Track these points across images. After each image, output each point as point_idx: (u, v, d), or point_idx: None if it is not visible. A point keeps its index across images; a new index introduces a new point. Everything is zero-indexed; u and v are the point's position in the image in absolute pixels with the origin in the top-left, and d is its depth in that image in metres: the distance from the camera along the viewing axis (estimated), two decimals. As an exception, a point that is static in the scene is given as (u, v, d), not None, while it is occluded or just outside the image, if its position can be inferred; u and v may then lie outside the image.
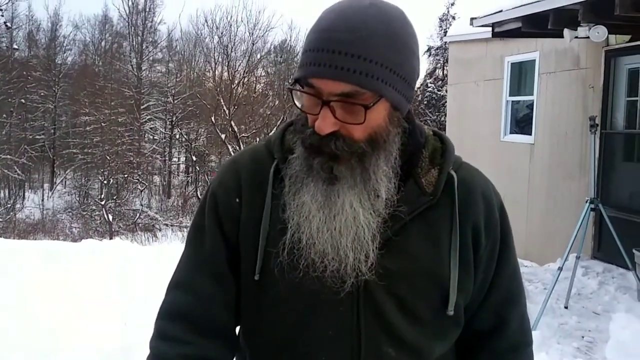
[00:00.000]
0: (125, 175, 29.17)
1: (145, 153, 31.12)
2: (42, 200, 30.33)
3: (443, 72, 31.49)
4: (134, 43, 34.11)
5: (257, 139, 26.06)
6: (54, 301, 4.81)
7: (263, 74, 32.92)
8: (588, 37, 5.61)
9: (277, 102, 30.22)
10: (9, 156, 26.28)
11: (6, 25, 28.90)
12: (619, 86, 6.81)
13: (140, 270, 5.73)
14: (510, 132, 9.08)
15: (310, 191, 1.06)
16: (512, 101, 9.05)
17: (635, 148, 6.83)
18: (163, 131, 33.54)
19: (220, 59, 29.90)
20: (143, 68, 33.71)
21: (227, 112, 26.56)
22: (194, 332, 1.14)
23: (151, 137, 33.49)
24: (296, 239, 1.07)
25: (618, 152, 6.92)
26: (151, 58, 34.60)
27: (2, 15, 27.26)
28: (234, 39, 29.85)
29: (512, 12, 6.30)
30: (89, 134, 30.26)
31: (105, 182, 27.64)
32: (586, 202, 5.24)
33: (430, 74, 32.90)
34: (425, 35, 34.21)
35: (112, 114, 29.40)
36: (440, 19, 33.75)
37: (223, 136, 26.79)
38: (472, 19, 7.42)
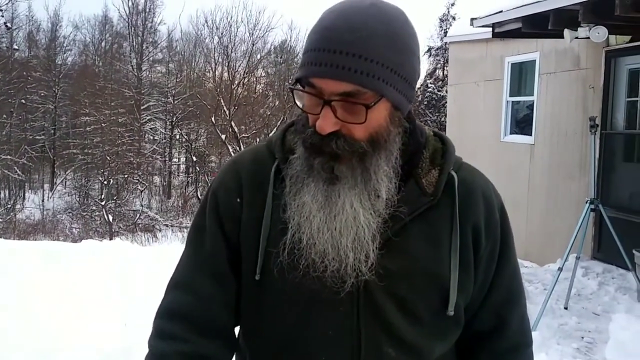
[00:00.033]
0: (126, 176, 29.18)
1: (145, 153, 31.12)
2: (42, 200, 30.33)
3: (443, 73, 31.50)
4: (134, 43, 34.14)
5: (258, 140, 26.07)
6: (54, 301, 4.81)
7: (263, 74, 32.95)
8: (588, 38, 5.61)
9: (277, 103, 30.23)
10: (9, 156, 26.30)
11: (6, 26, 28.93)
12: (619, 86, 6.81)
13: (140, 270, 5.73)
14: (511, 133, 9.08)
15: (311, 191, 1.07)
16: (512, 101, 9.05)
17: (635, 148, 6.83)
18: (163, 131, 33.55)
19: (220, 60, 29.93)
20: (143, 68, 33.73)
21: (227, 112, 26.57)
22: (193, 332, 1.14)
23: (151, 137, 33.50)
24: (297, 239, 1.08)
25: (618, 152, 6.92)
26: (151, 58, 34.64)
27: (2, 16, 27.31)
28: (234, 40, 29.90)
29: (513, 12, 6.30)
30: (89, 135, 30.26)
31: (105, 182, 27.64)
32: (586, 202, 5.24)
33: (431, 74, 32.91)
34: (426, 36, 34.23)
35: (112, 115, 29.41)
36: (440, 19, 33.77)
37: (223, 137, 26.79)
38: (472, 19, 7.42)
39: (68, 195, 31.15)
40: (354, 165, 1.05)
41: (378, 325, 1.10)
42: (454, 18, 31.13)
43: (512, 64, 8.94)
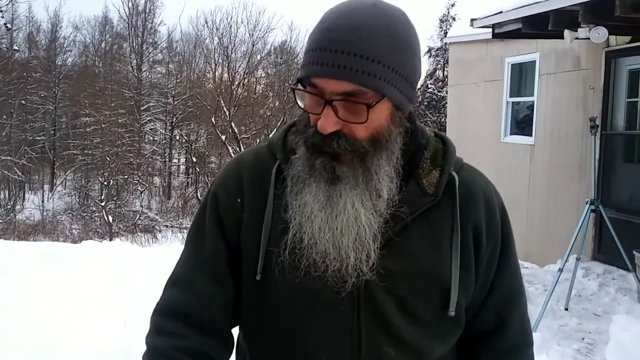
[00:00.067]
0: (126, 177, 29.17)
1: (145, 154, 31.11)
2: (42, 201, 30.33)
3: (443, 73, 31.52)
4: (134, 44, 34.14)
5: (258, 140, 26.11)
6: (54, 302, 4.81)
7: (263, 75, 32.95)
8: (588, 38, 5.61)
9: (277, 103, 30.24)
10: (9, 157, 26.28)
11: (6, 27, 28.94)
12: (619, 87, 6.81)
13: (140, 271, 5.73)
14: (511, 133, 9.08)
15: (313, 191, 1.07)
16: (513, 102, 9.05)
17: (635, 149, 6.83)
18: (163, 132, 33.56)
19: (220, 60, 29.94)
20: (143, 69, 33.73)
21: (227, 113, 26.57)
22: (191, 329, 1.14)
23: (151, 138, 33.50)
24: (298, 238, 1.08)
25: (618, 153, 6.92)
26: (151, 59, 34.64)
27: (3, 17, 27.30)
28: (234, 40, 29.91)
29: (513, 13, 6.30)
30: (89, 135, 30.24)
31: (105, 183, 27.64)
32: (586, 203, 5.23)
33: (431, 75, 32.92)
34: (426, 36, 34.23)
35: (112, 115, 29.41)
36: (440, 20, 33.79)
37: (223, 137, 26.79)
38: (472, 20, 7.42)
39: (68, 196, 31.14)
40: (355, 165, 1.05)
41: (378, 325, 1.10)
42: (454, 19, 31.16)
43: (512, 64, 8.94)
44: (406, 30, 1.05)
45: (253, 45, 30.04)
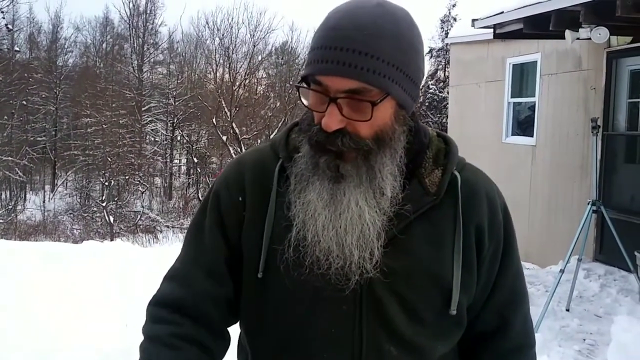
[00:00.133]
0: (127, 177, 29.20)
1: (146, 155, 31.14)
2: (43, 201, 30.36)
3: (444, 74, 31.52)
4: (135, 45, 34.16)
5: (259, 141, 26.11)
6: (54, 302, 4.81)
7: (264, 75, 32.97)
8: (590, 39, 5.61)
9: (278, 104, 30.27)
10: (10, 158, 26.30)
11: (7, 28, 28.97)
12: (620, 87, 6.80)
13: (141, 271, 5.72)
14: (512, 134, 9.07)
15: (316, 189, 1.07)
16: (514, 103, 9.04)
17: (637, 149, 6.82)
18: (164, 133, 33.58)
19: (221, 61, 29.98)
20: (144, 70, 33.75)
21: (228, 114, 26.59)
22: (187, 319, 1.15)
23: (152, 138, 33.53)
24: (301, 236, 1.08)
25: (620, 153, 6.91)
26: (152, 60, 34.66)
27: (4, 18, 27.33)
28: (235, 41, 29.92)
29: (514, 13, 6.30)
30: (90, 136, 30.27)
31: (106, 183, 27.67)
32: (588, 204, 5.23)
33: (432, 75, 32.91)
34: (427, 37, 34.19)
35: (113, 116, 29.44)
36: (441, 20, 33.80)
37: (224, 138, 26.81)
38: (473, 20, 7.42)
39: (69, 197, 31.16)
40: (359, 163, 1.06)
41: (380, 323, 1.10)
42: (455, 19, 31.16)
43: (513, 65, 8.93)
44: (410, 29, 1.06)
45: (254, 46, 30.09)
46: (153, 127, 33.03)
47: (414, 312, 1.11)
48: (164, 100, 32.74)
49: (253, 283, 1.15)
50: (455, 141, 1.22)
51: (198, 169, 31.96)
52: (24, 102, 29.93)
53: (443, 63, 32.31)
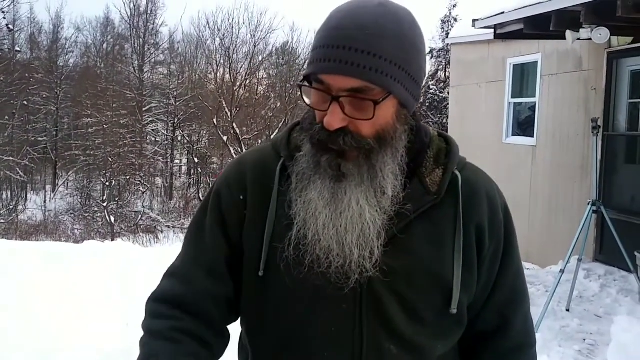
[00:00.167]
0: (127, 177, 29.20)
1: (147, 155, 31.15)
2: (44, 201, 30.36)
3: (445, 74, 31.51)
4: (136, 45, 34.16)
5: (259, 141, 26.12)
6: (55, 302, 4.82)
7: (265, 76, 32.94)
8: (590, 39, 5.61)
9: (279, 104, 30.24)
10: (11, 158, 26.30)
11: (8, 28, 28.95)
12: (621, 88, 6.80)
13: (142, 271, 5.73)
14: (512, 134, 9.07)
15: (318, 188, 1.07)
16: (514, 103, 9.04)
17: (637, 150, 6.82)
18: (165, 133, 33.57)
19: (222, 61, 29.94)
20: (145, 70, 33.75)
21: (229, 114, 26.58)
22: (187, 315, 1.16)
23: (153, 139, 33.52)
24: (302, 235, 1.08)
25: (620, 154, 6.91)
26: (153, 60, 34.66)
27: (4, 18, 27.32)
28: (236, 41, 29.89)
29: (514, 13, 6.30)
30: (91, 136, 30.28)
31: (107, 183, 27.68)
32: (588, 204, 5.23)
33: (432, 75, 32.89)
34: (427, 37, 33.91)
35: (114, 116, 29.45)
36: (442, 20, 33.79)
37: (225, 138, 26.81)
38: (474, 20, 7.41)
39: (70, 197, 31.15)
40: (361, 162, 1.06)
41: (380, 322, 1.10)
42: (455, 19, 31.15)
43: (514, 65, 8.93)
44: (412, 29, 1.06)
45: (255, 46, 30.06)
46: (154, 127, 33.03)
47: (414, 311, 1.11)
48: (164, 101, 32.74)
49: (253, 282, 1.15)
50: (456, 141, 1.22)
51: (199, 169, 31.95)
52: (25, 102, 29.94)
53: (443, 63, 32.29)
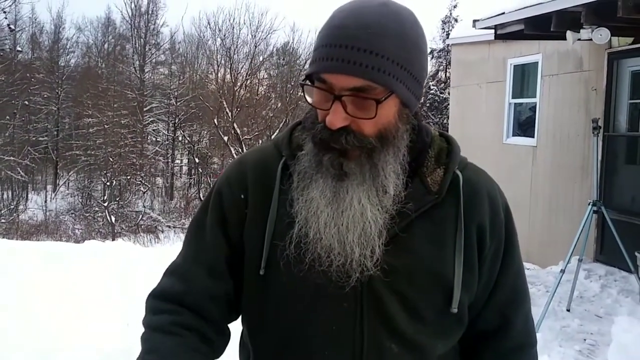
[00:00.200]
0: (128, 177, 29.22)
1: (148, 155, 31.16)
2: (45, 201, 30.37)
3: (445, 75, 31.49)
4: (137, 45, 34.17)
5: (260, 141, 26.11)
6: (55, 302, 4.82)
7: (265, 76, 32.94)
8: (591, 40, 5.61)
9: (279, 105, 30.24)
10: (12, 157, 26.32)
11: (10, 28, 28.96)
12: (621, 88, 6.80)
13: (142, 271, 5.73)
14: (513, 135, 9.06)
15: (319, 187, 1.07)
16: (515, 103, 9.03)
17: (638, 150, 6.81)
18: (166, 133, 33.57)
19: (222, 62, 29.93)
20: (146, 70, 33.76)
21: (229, 114, 26.58)
22: (187, 311, 1.16)
23: (154, 139, 33.53)
24: (303, 233, 1.08)
25: (621, 154, 6.91)
26: (154, 60, 34.66)
27: (6, 18, 27.33)
28: (237, 42, 29.87)
29: (515, 14, 6.30)
30: (91, 136, 30.29)
31: (108, 183, 27.69)
32: (589, 204, 5.23)
33: (433, 76, 32.87)
34: (428, 38, 33.73)
35: (115, 116, 29.45)
36: (442, 21, 33.78)
37: (226, 138, 26.80)
38: (474, 21, 7.41)
39: (71, 197, 31.18)
40: (363, 161, 1.06)
41: (381, 321, 1.10)
42: (456, 20, 31.12)
43: (514, 65, 8.93)
44: (414, 29, 1.07)
45: (255, 47, 30.05)
46: (155, 128, 33.05)
47: (414, 310, 1.11)
48: (165, 101, 32.75)
49: (254, 281, 1.15)
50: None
51: (199, 169, 31.96)
52: (26, 102, 29.96)
53: (444, 64, 32.27)
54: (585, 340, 4.79)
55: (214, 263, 1.18)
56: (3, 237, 10.98)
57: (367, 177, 1.06)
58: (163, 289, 1.20)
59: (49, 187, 32.56)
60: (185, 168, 35.59)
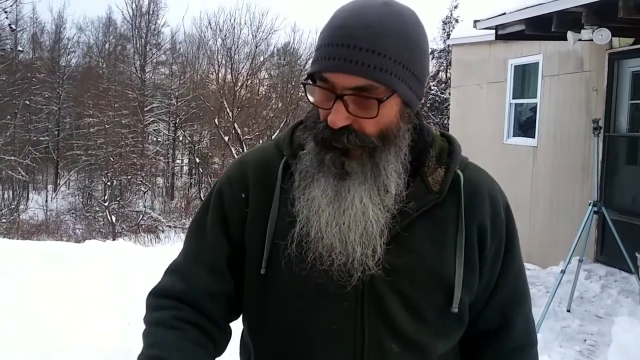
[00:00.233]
0: (129, 177, 29.22)
1: (148, 155, 31.17)
2: (46, 201, 30.39)
3: (446, 75, 31.47)
4: (138, 45, 34.18)
5: (260, 141, 26.11)
6: (55, 301, 4.81)
7: (266, 76, 32.94)
8: (592, 40, 5.61)
9: (280, 105, 30.24)
10: (13, 157, 26.33)
11: (11, 28, 28.99)
12: (622, 89, 6.80)
13: (142, 271, 5.72)
14: (514, 135, 9.06)
15: (321, 186, 1.07)
16: (516, 104, 9.03)
17: (638, 151, 6.81)
18: (166, 133, 33.58)
19: (223, 62, 29.95)
20: (147, 70, 33.77)
21: (230, 114, 26.59)
22: (188, 307, 1.16)
23: (155, 139, 33.55)
24: (305, 232, 1.08)
25: (621, 155, 6.91)
26: (155, 60, 34.67)
27: (7, 18, 27.36)
28: (237, 42, 29.88)
29: (516, 14, 6.30)
30: (92, 136, 30.31)
31: (108, 183, 27.69)
32: (589, 205, 5.22)
33: (434, 76, 32.85)
34: (429, 38, 33.94)
35: (115, 116, 29.46)
36: (443, 21, 33.75)
37: (226, 138, 26.81)
38: (475, 21, 7.41)
39: (71, 196, 31.18)
40: (364, 160, 1.06)
41: (382, 320, 1.10)
42: (456, 20, 31.11)
43: (515, 66, 8.93)
44: (416, 29, 1.07)
45: (256, 47, 30.06)
46: (155, 127, 33.06)
47: (416, 310, 1.11)
48: (166, 101, 32.75)
49: (255, 280, 1.15)
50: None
51: (200, 169, 31.97)
52: (27, 102, 29.97)
53: (445, 64, 32.26)
54: (585, 340, 4.79)
55: (215, 262, 1.18)
56: (4, 237, 10.99)
57: (368, 177, 1.07)
58: (163, 287, 1.20)
59: (50, 186, 32.57)
60: (185, 168, 35.60)
